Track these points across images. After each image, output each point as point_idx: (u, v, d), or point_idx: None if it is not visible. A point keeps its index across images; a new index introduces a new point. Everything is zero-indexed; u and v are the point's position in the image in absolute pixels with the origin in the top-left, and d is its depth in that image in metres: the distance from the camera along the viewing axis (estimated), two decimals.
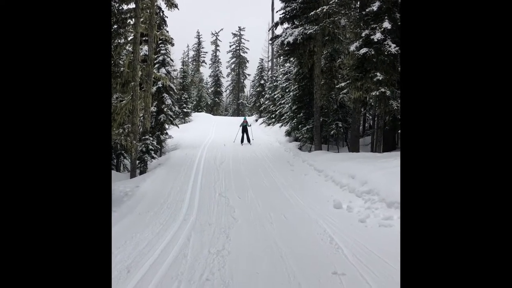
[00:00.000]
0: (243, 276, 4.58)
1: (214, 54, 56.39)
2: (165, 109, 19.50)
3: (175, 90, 22.89)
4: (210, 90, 53.55)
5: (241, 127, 21.47)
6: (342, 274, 4.52)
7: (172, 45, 20.73)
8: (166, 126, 20.29)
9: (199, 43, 57.16)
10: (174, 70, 24.84)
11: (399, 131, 12.21)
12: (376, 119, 16.77)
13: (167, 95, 19.70)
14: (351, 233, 6.22)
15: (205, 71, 56.59)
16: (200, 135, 25.26)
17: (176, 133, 22.25)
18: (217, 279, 4.47)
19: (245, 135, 21.14)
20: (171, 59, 20.88)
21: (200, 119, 36.71)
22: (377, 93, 13.04)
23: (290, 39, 16.24)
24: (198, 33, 57.42)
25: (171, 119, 20.39)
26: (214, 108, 51.70)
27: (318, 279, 4.44)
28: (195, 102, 44.22)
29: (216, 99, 53.22)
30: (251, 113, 43.78)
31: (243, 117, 24.41)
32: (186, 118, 35.12)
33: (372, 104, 14.64)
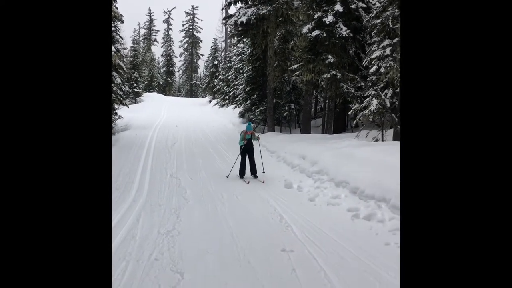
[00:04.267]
0: (193, 255, 4.58)
1: (167, 33, 54.96)
2: (114, 88, 18.83)
3: (125, 69, 22.13)
4: (162, 70, 52.30)
5: (242, 145, 9.96)
6: (290, 251, 4.63)
7: (122, 22, 19.88)
8: (116, 106, 19.63)
9: (150, 21, 55.46)
10: (124, 49, 23.97)
11: (349, 112, 12.55)
12: (327, 101, 17.11)
13: (116, 74, 19.00)
14: (300, 211, 6.37)
15: (157, 50, 55.09)
16: (152, 116, 24.72)
17: (126, 113, 21.61)
18: (166, 259, 4.44)
19: (247, 160, 9.85)
20: (120, 36, 20.13)
21: (152, 99, 35.86)
22: (329, 76, 13.28)
23: (243, 19, 16.10)
24: (150, 11, 55.68)
25: (121, 98, 19.75)
26: (166, 89, 50.62)
27: (267, 256, 4.52)
28: (146, 82, 43.04)
29: (169, 79, 52.10)
30: (205, 94, 43.28)
31: (246, 125, 10.57)
32: (137, 98, 34.21)
33: (324, 86, 14.90)
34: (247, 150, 9.93)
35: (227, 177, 9.46)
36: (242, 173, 9.72)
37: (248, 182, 8.95)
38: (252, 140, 10.06)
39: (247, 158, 9.91)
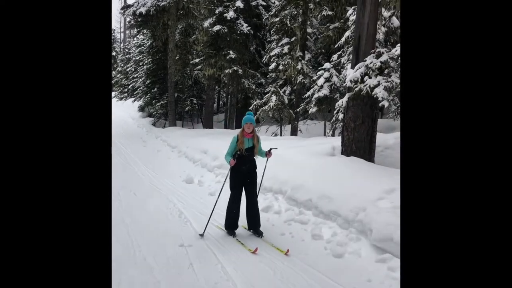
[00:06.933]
0: None
1: None
2: None
3: None
4: None
5: (234, 165, 4.96)
6: (189, 246, 4.59)
7: None
8: None
9: None
10: None
11: (250, 108, 12.84)
12: (229, 96, 17.28)
13: None
14: (201, 206, 6.35)
15: None
16: None
17: None
18: None
19: (241, 197, 5.13)
20: None
21: None
22: (230, 71, 13.41)
23: (143, 9, 15.54)
24: None
25: None
26: None
27: (164, 252, 4.43)
28: None
29: None
30: None
31: (247, 121, 4.95)
32: None
33: (226, 81, 15.02)
34: (246, 174, 5.10)
35: (201, 235, 4.96)
36: (233, 225, 5.11)
37: (256, 251, 4.41)
38: (258, 154, 5.22)
39: (244, 190, 5.17)
